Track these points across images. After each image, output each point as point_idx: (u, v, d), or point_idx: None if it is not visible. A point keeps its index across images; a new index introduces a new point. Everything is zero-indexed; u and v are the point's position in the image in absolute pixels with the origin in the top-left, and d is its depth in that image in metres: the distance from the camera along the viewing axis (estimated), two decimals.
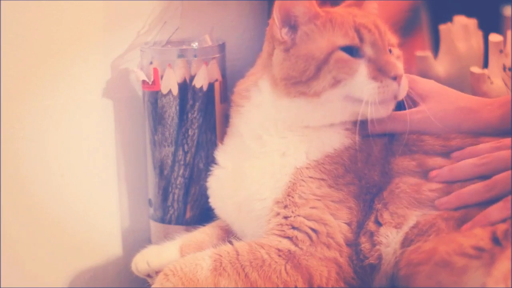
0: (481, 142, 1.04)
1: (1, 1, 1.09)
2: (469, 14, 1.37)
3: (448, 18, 1.37)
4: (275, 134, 1.09)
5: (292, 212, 1.03)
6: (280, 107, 1.08)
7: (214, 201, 1.16)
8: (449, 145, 1.05)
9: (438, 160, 1.04)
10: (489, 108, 1.06)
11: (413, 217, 1.00)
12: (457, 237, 0.93)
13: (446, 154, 1.05)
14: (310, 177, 1.04)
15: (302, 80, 1.04)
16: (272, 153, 1.08)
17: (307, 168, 1.05)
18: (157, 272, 1.07)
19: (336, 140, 1.07)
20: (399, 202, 1.02)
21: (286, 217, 1.03)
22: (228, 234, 1.14)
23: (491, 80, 1.23)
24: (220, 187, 1.14)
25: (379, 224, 1.02)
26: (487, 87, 1.23)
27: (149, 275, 1.13)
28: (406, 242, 0.99)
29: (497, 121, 1.05)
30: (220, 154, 1.16)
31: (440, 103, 1.08)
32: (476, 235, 0.92)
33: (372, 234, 1.02)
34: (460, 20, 1.36)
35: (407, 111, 1.08)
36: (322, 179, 1.04)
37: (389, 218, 1.01)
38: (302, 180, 1.04)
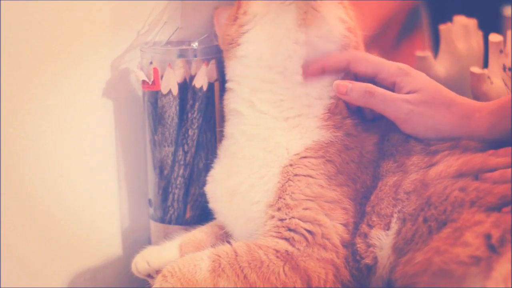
0: (463, 146, 1.03)
1: (1, 1, 1.09)
2: (469, 14, 1.37)
3: (448, 18, 1.37)
4: (269, 96, 1.09)
5: (286, 214, 1.03)
6: (250, 59, 1.09)
7: (209, 187, 1.16)
8: (429, 149, 1.05)
9: (415, 159, 1.04)
10: (478, 116, 1.03)
11: (395, 215, 1.01)
12: (451, 248, 0.92)
13: (424, 154, 1.05)
14: (296, 175, 1.04)
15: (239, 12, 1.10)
16: (256, 144, 1.08)
17: (291, 165, 1.05)
18: (157, 272, 1.07)
19: (314, 132, 1.07)
20: (382, 204, 1.02)
21: (281, 220, 1.03)
22: (226, 233, 1.14)
23: (491, 80, 1.23)
24: (216, 173, 1.15)
25: (370, 226, 1.02)
26: (487, 87, 1.23)
27: (149, 275, 1.13)
28: (397, 250, 0.99)
29: (484, 131, 1.03)
30: (220, 148, 1.17)
31: (433, 101, 1.04)
32: (471, 244, 0.91)
33: (366, 236, 1.02)
34: (460, 20, 1.36)
35: (398, 95, 1.05)
36: (309, 176, 1.04)
37: (378, 220, 1.02)
38: (290, 179, 1.04)
